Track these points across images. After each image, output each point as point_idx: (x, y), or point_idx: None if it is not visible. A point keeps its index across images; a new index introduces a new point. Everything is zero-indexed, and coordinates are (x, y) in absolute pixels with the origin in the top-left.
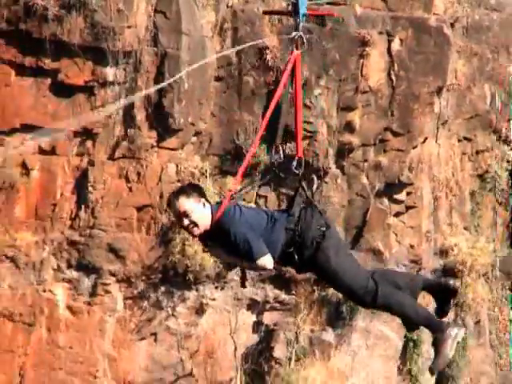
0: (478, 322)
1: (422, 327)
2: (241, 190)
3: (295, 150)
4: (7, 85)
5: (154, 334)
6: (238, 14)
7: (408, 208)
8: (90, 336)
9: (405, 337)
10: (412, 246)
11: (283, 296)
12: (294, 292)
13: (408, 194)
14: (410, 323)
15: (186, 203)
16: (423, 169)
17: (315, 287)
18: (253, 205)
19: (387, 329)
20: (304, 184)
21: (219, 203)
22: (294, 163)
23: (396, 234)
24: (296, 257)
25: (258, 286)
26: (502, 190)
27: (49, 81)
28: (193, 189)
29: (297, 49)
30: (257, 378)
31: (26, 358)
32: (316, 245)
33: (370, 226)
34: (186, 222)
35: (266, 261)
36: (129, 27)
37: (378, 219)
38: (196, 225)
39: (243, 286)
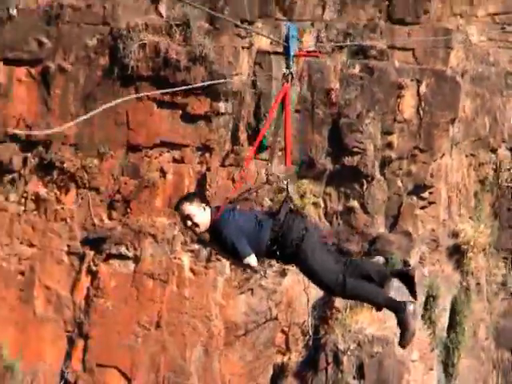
0: (478, 284)
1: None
2: (237, 197)
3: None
4: (151, 114)
5: (251, 290)
6: (312, 65)
7: (430, 203)
8: (206, 290)
9: (427, 292)
10: (433, 230)
11: None
12: None
13: (430, 193)
14: (376, 306)
15: (189, 208)
16: (441, 176)
17: (363, 258)
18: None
19: None
20: (291, 194)
21: (218, 207)
22: (282, 177)
23: (421, 221)
24: (278, 253)
25: None
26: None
27: (180, 112)
28: (195, 196)
29: (287, 82)
30: (322, 321)
31: (161, 305)
32: (296, 245)
33: (403, 216)
34: (189, 223)
35: (251, 260)
36: (236, 74)
37: (409, 211)
38: (197, 225)
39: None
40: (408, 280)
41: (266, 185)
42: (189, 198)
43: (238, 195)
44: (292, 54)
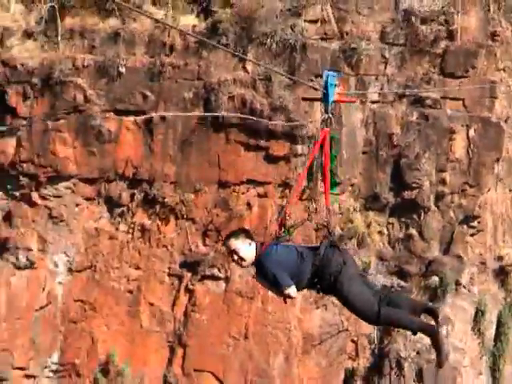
0: None
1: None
2: (284, 233)
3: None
4: (239, 156)
5: (325, 305)
6: (376, 113)
7: (478, 231)
8: (286, 306)
9: (476, 308)
10: (481, 254)
11: (402, 283)
12: (409, 281)
13: (478, 222)
14: (410, 331)
15: (235, 243)
16: (487, 207)
17: (422, 279)
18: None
19: (465, 303)
20: (331, 229)
21: (263, 243)
22: (324, 213)
23: (471, 247)
24: (319, 286)
25: (389, 278)
26: None
27: (263, 153)
28: (241, 232)
29: (326, 126)
30: (386, 332)
31: (248, 319)
32: (334, 278)
33: (455, 242)
34: (235, 257)
35: (290, 291)
36: (311, 122)
37: (460, 237)
38: (243, 259)
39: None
40: (434, 316)
41: (307, 221)
42: (235, 234)
43: (284, 232)
44: (331, 100)
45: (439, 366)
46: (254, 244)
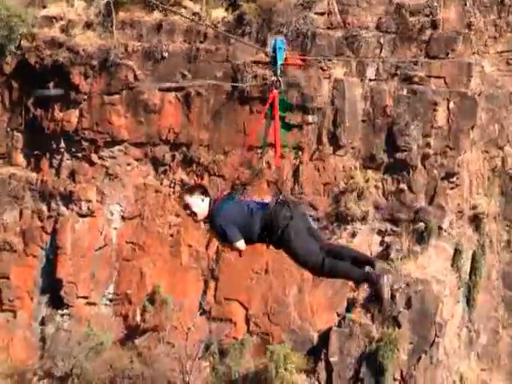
0: (490, 241)
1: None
2: (234, 190)
3: None
4: (260, 124)
5: None
6: (373, 88)
7: (457, 185)
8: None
9: (454, 248)
10: (458, 204)
11: (395, 228)
12: (400, 226)
13: (457, 178)
14: (354, 281)
15: (189, 199)
16: (464, 166)
17: (411, 224)
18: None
19: (446, 244)
20: (280, 186)
21: (216, 199)
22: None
23: (450, 198)
24: (267, 239)
25: (383, 223)
26: None
27: (280, 122)
28: (196, 188)
29: (276, 88)
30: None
31: (269, 257)
32: (281, 231)
33: (438, 194)
34: (188, 211)
35: (239, 245)
36: (320, 96)
37: (442, 190)
38: (195, 214)
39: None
40: (373, 268)
41: (255, 179)
42: (190, 190)
43: (234, 189)
44: (279, 63)
45: (383, 311)
46: (207, 200)
